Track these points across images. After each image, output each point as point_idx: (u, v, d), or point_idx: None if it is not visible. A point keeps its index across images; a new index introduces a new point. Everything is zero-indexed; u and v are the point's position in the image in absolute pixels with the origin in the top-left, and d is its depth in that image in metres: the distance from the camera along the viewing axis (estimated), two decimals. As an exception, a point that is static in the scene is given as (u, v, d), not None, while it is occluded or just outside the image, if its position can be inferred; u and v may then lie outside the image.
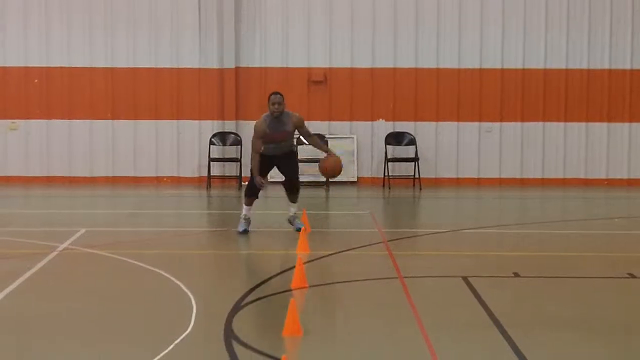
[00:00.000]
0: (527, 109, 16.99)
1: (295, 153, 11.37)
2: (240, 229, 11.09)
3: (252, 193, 11.00)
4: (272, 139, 10.75)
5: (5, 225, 12.21)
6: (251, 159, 10.92)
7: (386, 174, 16.66)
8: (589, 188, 16.79)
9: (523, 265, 9.62)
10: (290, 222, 11.12)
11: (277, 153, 10.92)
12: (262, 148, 10.74)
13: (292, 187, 11.14)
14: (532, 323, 7.33)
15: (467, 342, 6.83)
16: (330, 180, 13.95)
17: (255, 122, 10.93)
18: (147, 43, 16.81)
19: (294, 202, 11.13)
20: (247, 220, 11.10)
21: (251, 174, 10.87)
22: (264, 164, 10.83)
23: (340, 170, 11.08)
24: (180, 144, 17.04)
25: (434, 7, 16.78)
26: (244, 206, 11.09)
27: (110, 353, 6.50)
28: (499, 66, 16.90)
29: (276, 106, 10.64)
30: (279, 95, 10.76)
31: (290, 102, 16.76)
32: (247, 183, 11.15)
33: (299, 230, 10.58)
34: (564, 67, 16.91)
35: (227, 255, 10.62)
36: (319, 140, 11.87)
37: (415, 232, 12.72)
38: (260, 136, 10.69)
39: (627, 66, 16.89)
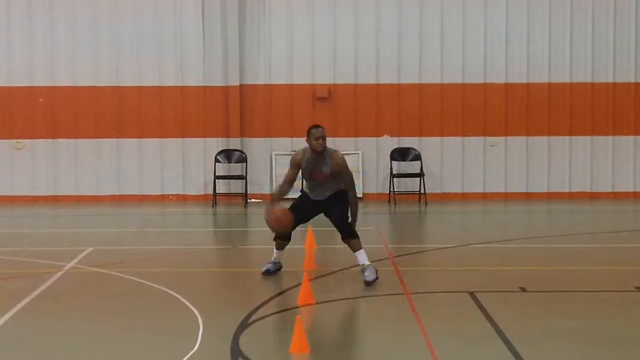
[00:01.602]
0: (532, 123, 17.01)
1: (344, 192, 9.37)
2: (263, 268, 9.68)
3: (282, 234, 9.53)
4: (310, 177, 9.31)
5: (12, 245, 12.24)
6: (278, 188, 9.62)
7: (392, 189, 16.68)
8: (595, 202, 16.78)
9: (529, 280, 9.61)
10: (362, 276, 9.27)
11: (320, 197, 9.37)
12: (292, 184, 9.35)
13: (341, 231, 9.36)
14: (538, 337, 7.33)
15: (474, 357, 6.83)
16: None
17: (294, 153, 9.62)
18: (151, 61, 16.87)
19: (356, 250, 9.30)
20: (275, 264, 9.69)
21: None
22: (303, 205, 9.43)
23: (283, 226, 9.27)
24: (185, 162, 17.07)
25: (437, 22, 16.83)
26: (274, 250, 9.72)
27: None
28: (503, 80, 16.93)
29: (320, 141, 9.12)
30: (321, 129, 9.24)
31: (295, 118, 16.94)
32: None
33: (368, 283, 9.08)
34: (568, 80, 16.94)
35: (234, 272, 10.64)
36: (355, 205, 9.39)
37: (422, 247, 12.71)
38: (295, 167, 9.32)
39: (632, 79, 16.91)
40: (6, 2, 16.79)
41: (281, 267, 9.63)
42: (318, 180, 9.24)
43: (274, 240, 9.57)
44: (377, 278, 9.04)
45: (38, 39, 16.82)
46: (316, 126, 9.29)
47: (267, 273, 9.55)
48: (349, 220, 9.24)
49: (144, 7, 16.81)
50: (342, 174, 9.21)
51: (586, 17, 16.81)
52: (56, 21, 16.81)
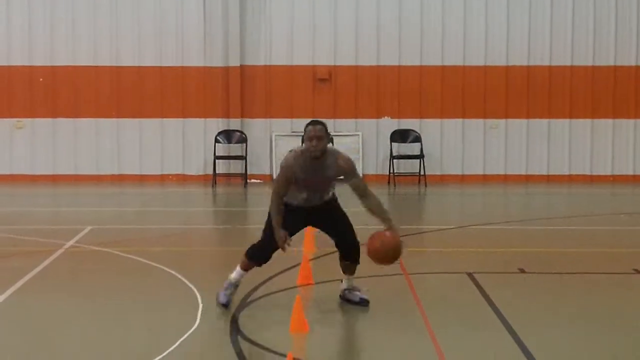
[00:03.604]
0: (533, 106, 17.00)
1: (336, 200, 7.54)
2: (223, 299, 7.40)
3: (258, 256, 7.43)
4: (306, 186, 7.19)
5: (12, 223, 12.24)
6: (270, 204, 7.25)
7: (391, 171, 16.68)
8: (595, 184, 16.79)
9: (529, 262, 9.61)
10: (347, 297, 7.59)
11: (312, 204, 7.32)
12: (286, 195, 7.24)
13: (351, 252, 7.45)
14: (537, 319, 7.34)
15: (472, 338, 6.83)
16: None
17: (285, 157, 7.26)
18: (152, 41, 16.83)
19: (350, 274, 7.58)
20: (235, 286, 7.49)
21: (265, 230, 7.41)
22: (292, 218, 7.26)
23: (399, 254, 7.22)
24: (185, 142, 17.07)
25: (438, 4, 16.78)
26: (238, 269, 7.49)
27: (117, 350, 6.52)
28: (504, 63, 16.90)
29: (314, 142, 6.94)
30: (318, 126, 7.01)
31: (296, 100, 16.90)
32: (256, 242, 7.50)
33: (365, 302, 7.53)
34: (569, 64, 16.91)
35: (233, 252, 10.60)
36: (381, 206, 7.35)
37: (421, 228, 12.72)
38: (286, 178, 7.12)
39: (633, 62, 16.88)
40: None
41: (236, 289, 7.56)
42: (312, 188, 7.22)
43: (250, 261, 7.48)
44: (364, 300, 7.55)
45: (38, 18, 16.79)
46: (313, 122, 7.13)
47: (227, 305, 7.39)
48: (382, 212, 7.32)
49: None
50: (354, 180, 7.19)
51: (587, 1, 16.74)
52: (56, 0, 16.74)
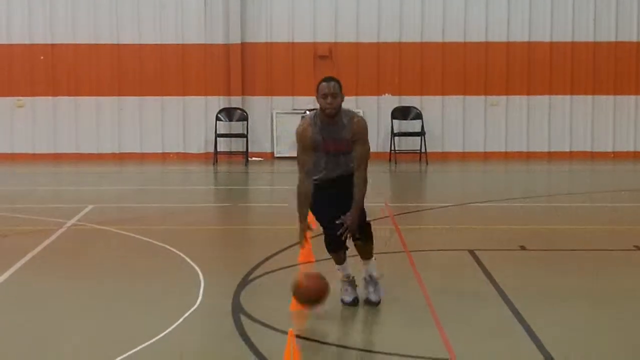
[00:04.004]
0: (533, 82, 16.96)
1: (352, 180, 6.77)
2: (347, 298, 6.92)
3: (333, 245, 6.88)
4: (324, 150, 6.71)
5: (13, 202, 12.27)
6: (297, 188, 6.77)
7: (392, 148, 16.67)
8: (596, 161, 16.78)
9: (529, 239, 9.64)
10: (364, 287, 6.98)
11: (336, 174, 6.77)
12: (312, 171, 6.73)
13: (360, 231, 6.81)
14: (538, 295, 7.36)
15: (473, 314, 6.86)
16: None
17: (298, 124, 6.90)
18: (152, 19, 16.78)
19: (367, 257, 6.98)
20: (351, 282, 6.96)
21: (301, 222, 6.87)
22: (321, 200, 6.79)
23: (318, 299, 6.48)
24: (186, 120, 17.05)
25: (439, -20, 16.73)
26: (336, 265, 6.98)
27: (120, 328, 6.55)
28: (504, 39, 16.85)
29: (329, 100, 6.61)
30: (332, 82, 6.69)
31: (297, 77, 16.87)
32: (324, 235, 6.94)
33: (371, 303, 6.88)
34: (570, 40, 16.85)
35: (234, 230, 10.66)
36: (362, 184, 6.74)
37: (422, 206, 12.73)
38: (308, 147, 6.69)
39: (634, 38, 16.83)
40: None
41: (354, 282, 7.02)
42: (333, 151, 6.73)
43: (333, 252, 6.93)
44: (380, 300, 6.91)
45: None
46: (326, 79, 6.79)
47: (355, 302, 6.91)
48: (358, 192, 6.73)
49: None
50: (359, 145, 6.73)
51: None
52: (56, -22, 16.70)
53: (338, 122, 6.71)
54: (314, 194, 6.75)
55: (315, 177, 6.77)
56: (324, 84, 6.69)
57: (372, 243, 6.94)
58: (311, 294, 6.43)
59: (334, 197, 6.76)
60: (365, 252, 6.92)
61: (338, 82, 6.75)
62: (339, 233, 6.67)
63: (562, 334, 6.39)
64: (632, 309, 7.06)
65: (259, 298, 6.86)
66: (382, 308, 6.87)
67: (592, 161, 16.80)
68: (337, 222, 6.69)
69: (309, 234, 6.82)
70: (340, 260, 6.90)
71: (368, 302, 6.86)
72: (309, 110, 16.42)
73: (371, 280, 6.91)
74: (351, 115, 6.83)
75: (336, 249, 6.88)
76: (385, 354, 5.99)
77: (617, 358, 5.96)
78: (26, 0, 16.70)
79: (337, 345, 6.14)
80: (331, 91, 6.63)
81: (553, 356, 5.88)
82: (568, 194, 13.12)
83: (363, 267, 6.95)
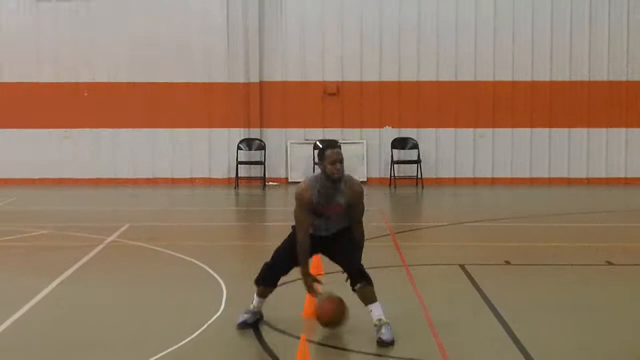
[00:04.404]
0: (517, 117, 16.94)
1: (348, 232, 6.44)
2: (240, 319, 6.52)
3: (264, 279, 6.52)
4: (320, 212, 6.30)
5: (61, 221, 12.30)
6: (298, 247, 6.28)
7: (392, 174, 16.65)
8: (572, 186, 16.73)
9: (514, 255, 9.60)
10: (376, 335, 6.18)
11: (325, 233, 6.42)
12: (309, 230, 6.30)
13: (357, 280, 6.27)
14: (521, 305, 7.33)
15: (465, 322, 6.83)
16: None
17: (298, 185, 6.39)
18: (182, 60, 16.86)
19: (370, 302, 6.29)
20: (254, 313, 6.56)
21: (275, 255, 6.55)
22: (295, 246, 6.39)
23: (340, 319, 6.30)
24: (211, 150, 17.07)
25: (434, 26, 16.76)
26: (255, 296, 6.59)
27: (150, 332, 6.54)
28: (491, 78, 16.86)
29: (338, 166, 6.14)
30: (338, 150, 6.25)
31: (308, 112, 16.90)
32: (265, 264, 6.57)
33: (385, 343, 6.09)
34: (548, 79, 16.86)
35: (253, 246, 10.65)
36: (361, 239, 6.47)
37: (418, 225, 12.71)
38: (305, 208, 6.24)
39: (605, 78, 16.82)
40: (55, 9, 16.79)
41: (262, 317, 6.62)
42: (330, 214, 6.34)
43: (256, 285, 6.55)
44: (393, 340, 6.14)
45: (83, 37, 16.81)
46: (332, 146, 6.40)
47: (244, 325, 6.48)
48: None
49: (175, 15, 16.79)
50: (357, 207, 6.35)
51: (564, 22, 16.70)
52: (98, 22, 16.79)
53: (338, 186, 6.24)
54: (290, 235, 6.46)
55: (311, 232, 6.34)
56: (332, 150, 6.18)
57: (372, 285, 6.29)
58: (331, 318, 6.28)
59: (313, 248, 6.36)
60: (368, 296, 6.28)
61: (340, 149, 6.34)
62: (354, 286, 6.21)
63: (540, 338, 6.36)
64: (602, 316, 7.03)
65: (274, 306, 6.84)
66: (385, 312, 6.83)
67: (568, 186, 16.75)
68: (342, 272, 6.37)
69: (318, 286, 6.34)
70: (264, 295, 6.54)
71: (381, 342, 6.10)
72: (314, 140, 16.48)
73: (381, 324, 6.16)
74: (349, 181, 6.31)
75: (268, 285, 6.50)
76: (386, 356, 5.97)
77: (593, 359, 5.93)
78: (72, 44, 16.81)
79: (346, 350, 6.12)
80: (340, 158, 6.16)
81: (534, 358, 5.85)
82: (547, 215, 13.07)
83: (371, 314, 6.25)
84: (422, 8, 16.70)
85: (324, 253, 6.60)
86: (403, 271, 8.72)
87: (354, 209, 6.35)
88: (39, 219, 12.35)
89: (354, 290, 6.29)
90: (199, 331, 6.45)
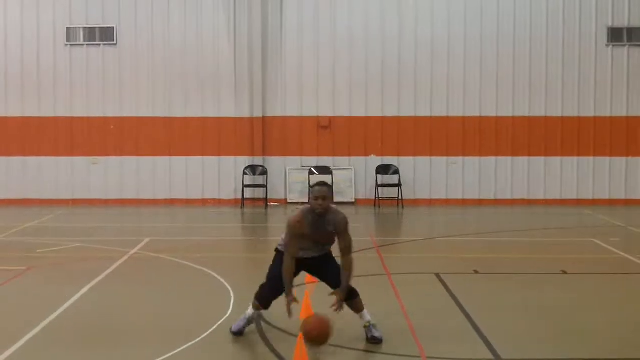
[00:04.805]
0: (484, 147, 17.01)
1: (331, 253, 6.36)
2: (234, 328, 6.42)
3: (260, 301, 6.36)
4: (311, 239, 6.17)
5: (89, 235, 12.30)
6: (284, 269, 6.10)
7: (377, 196, 16.70)
8: (532, 206, 16.79)
9: (481, 265, 9.63)
10: (366, 332, 6.29)
11: (312, 255, 6.27)
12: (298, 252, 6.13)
13: (349, 296, 6.25)
14: (488, 308, 7.36)
15: (440, 323, 6.86)
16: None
17: (292, 216, 6.15)
18: (196, 98, 16.95)
19: (360, 310, 6.34)
20: (249, 321, 6.46)
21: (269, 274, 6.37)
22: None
23: (324, 339, 5.80)
24: (220, 174, 17.10)
25: (411, 71, 16.87)
26: (250, 307, 6.46)
27: (170, 329, 6.55)
28: (461, 114, 16.97)
29: (320, 202, 6.01)
30: (325, 188, 6.08)
31: (304, 142, 16.97)
32: (262, 285, 6.41)
33: (377, 340, 6.19)
34: (511, 115, 16.98)
35: (257, 257, 10.66)
36: (351, 268, 6.18)
37: (399, 240, 12.73)
38: (295, 236, 6.07)
39: (559, 114, 16.95)
40: (86, 52, 16.87)
41: (251, 323, 6.50)
42: (319, 240, 6.18)
43: (255, 299, 6.39)
44: (382, 336, 6.25)
45: (108, 78, 16.90)
46: (320, 184, 6.15)
47: (240, 334, 6.39)
48: (346, 277, 6.17)
49: (191, 59, 16.87)
50: (344, 237, 6.14)
51: (524, 65, 16.83)
52: (123, 67, 16.88)
53: (326, 218, 6.08)
54: (276, 256, 6.30)
55: (280, 249, 6.25)
56: (317, 188, 6.07)
57: (359, 298, 6.29)
58: (317, 338, 5.79)
59: (299, 268, 6.18)
60: (357, 307, 6.29)
61: (329, 186, 6.14)
62: (333, 309, 6.04)
63: (503, 334, 6.40)
64: (563, 316, 7.07)
65: (275, 308, 6.87)
66: (370, 313, 6.87)
67: (529, 206, 16.81)
68: (328, 294, 6.15)
69: (294, 305, 6.06)
70: (258, 309, 6.38)
71: (374, 339, 6.18)
72: (310, 166, 16.56)
73: (370, 325, 6.27)
74: (336, 214, 6.14)
75: (263, 307, 6.35)
76: (375, 352, 6.00)
77: (551, 355, 5.97)
78: (100, 83, 16.89)
79: (340, 347, 6.15)
80: (322, 194, 6.00)
81: (500, 354, 5.89)
82: (510, 231, 13.11)
83: (361, 320, 6.32)
84: (402, 55, 16.83)
85: (311, 273, 6.38)
86: (386, 278, 8.75)
87: (342, 238, 6.12)
88: (72, 234, 12.36)
89: (346, 302, 6.21)
90: (211, 329, 6.47)
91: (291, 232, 6.05)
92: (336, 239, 6.16)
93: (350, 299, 6.23)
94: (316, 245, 6.20)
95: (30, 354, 6.01)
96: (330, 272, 6.26)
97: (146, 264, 9.83)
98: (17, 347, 6.08)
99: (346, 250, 6.13)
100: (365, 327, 6.26)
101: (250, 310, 6.42)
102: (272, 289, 6.25)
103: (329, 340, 5.80)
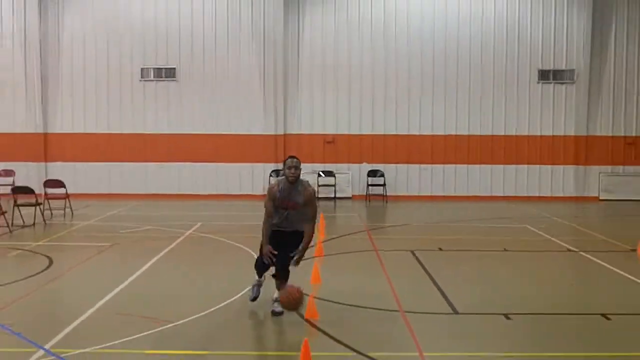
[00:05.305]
0: (447, 157, 17.00)
1: (302, 235, 5.78)
2: (251, 296, 6.07)
3: (258, 270, 6.00)
4: (281, 205, 5.77)
5: (157, 221, 12.32)
6: (263, 225, 5.87)
7: (367, 193, 16.71)
8: (493, 202, 16.68)
9: (445, 244, 9.64)
10: (272, 308, 5.87)
11: (284, 227, 5.81)
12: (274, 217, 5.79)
13: (280, 273, 5.79)
14: (451, 278, 7.38)
15: (417, 289, 6.89)
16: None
17: (269, 184, 5.75)
18: (235, 120, 16.97)
19: (278, 289, 5.81)
20: (257, 286, 6.07)
21: (260, 249, 5.91)
22: (274, 239, 5.82)
23: (295, 304, 5.46)
24: (253, 176, 17.13)
25: (393, 97, 16.88)
26: (257, 276, 6.08)
27: (211, 292, 6.58)
28: (429, 133, 16.96)
29: (292, 170, 5.73)
30: (295, 159, 5.82)
31: (314, 153, 16.97)
32: (257, 259, 6.02)
33: (277, 314, 5.76)
34: (467, 133, 16.96)
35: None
36: (309, 236, 5.76)
37: (384, 225, 12.74)
38: (271, 198, 5.79)
39: (501, 133, 16.91)
40: (155, 86, 16.91)
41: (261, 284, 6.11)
42: (288, 207, 5.74)
43: (255, 268, 6.02)
44: (283, 312, 5.73)
45: (172, 106, 16.93)
46: (291, 156, 5.85)
47: (256, 298, 6.03)
48: (295, 254, 5.74)
49: (231, 92, 16.91)
50: (310, 206, 5.74)
51: (483, 90, 16.78)
52: (182, 95, 16.91)
53: (296, 187, 5.73)
54: (272, 237, 5.78)
55: (274, 222, 5.81)
56: (289, 159, 5.77)
57: (286, 281, 5.75)
58: (292, 304, 5.45)
59: (282, 243, 5.77)
60: (279, 286, 5.80)
61: (299, 159, 5.86)
62: (293, 260, 5.70)
63: (463, 297, 6.42)
64: (502, 283, 7.07)
65: (292, 275, 6.93)
66: (359, 284, 6.88)
67: (481, 201, 16.75)
68: (290, 254, 5.70)
69: (271, 249, 5.70)
70: (261, 274, 6.01)
71: (274, 313, 5.75)
72: (318, 170, 16.58)
73: (276, 301, 5.81)
74: (305, 185, 5.78)
75: (260, 271, 5.87)
76: (364, 307, 5.98)
77: (495, 310, 5.95)
78: (165, 109, 16.94)
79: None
80: (294, 164, 5.72)
81: (457, 309, 5.90)
82: (465, 220, 13.11)
83: (275, 294, 5.87)
84: (388, 88, 16.83)
85: (278, 247, 5.73)
86: (374, 254, 8.78)
87: (307, 207, 5.69)
88: (143, 220, 12.38)
89: (272, 276, 5.80)
90: (240, 294, 6.49)
91: (268, 194, 5.78)
92: (302, 209, 5.69)
93: (280, 277, 5.70)
94: (287, 216, 5.70)
95: (117, 302, 6.08)
96: (288, 248, 5.73)
97: (198, 243, 9.84)
98: (107, 299, 6.16)
99: (311, 218, 5.72)
100: (273, 300, 5.82)
101: (255, 279, 6.06)
102: (262, 262, 5.87)
103: (299, 305, 5.41)
